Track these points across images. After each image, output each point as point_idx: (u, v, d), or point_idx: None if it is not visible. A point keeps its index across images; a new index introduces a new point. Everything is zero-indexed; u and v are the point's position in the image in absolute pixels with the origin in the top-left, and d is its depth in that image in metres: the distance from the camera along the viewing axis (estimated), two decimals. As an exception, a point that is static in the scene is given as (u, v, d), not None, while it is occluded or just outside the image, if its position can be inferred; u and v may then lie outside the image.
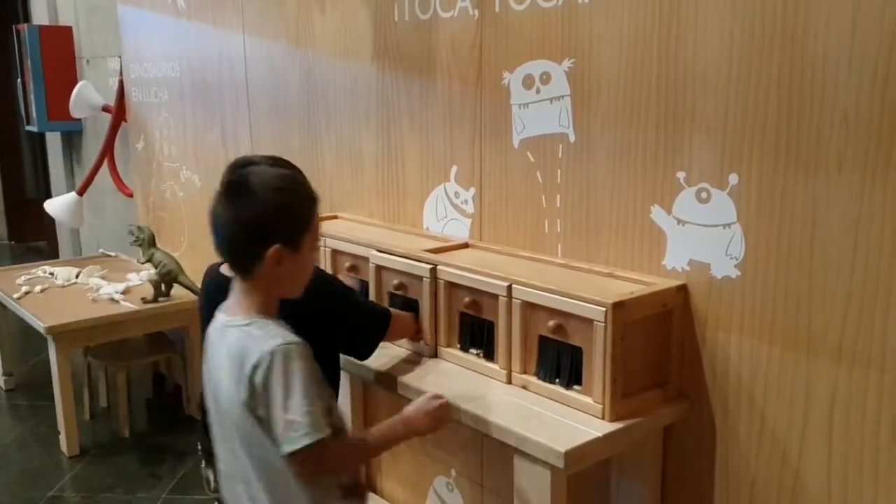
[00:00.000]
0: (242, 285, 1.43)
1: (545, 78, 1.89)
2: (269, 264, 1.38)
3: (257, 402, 1.34)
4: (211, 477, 1.76)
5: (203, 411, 1.70)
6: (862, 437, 1.47)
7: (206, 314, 1.57)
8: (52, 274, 3.84)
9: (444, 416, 1.59)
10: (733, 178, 1.58)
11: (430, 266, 1.93)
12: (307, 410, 1.33)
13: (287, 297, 1.46)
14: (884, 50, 1.34)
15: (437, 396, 1.61)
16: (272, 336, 1.36)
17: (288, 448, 1.33)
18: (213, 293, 1.64)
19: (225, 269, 1.69)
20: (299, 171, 1.51)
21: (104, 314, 3.27)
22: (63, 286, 3.70)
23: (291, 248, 1.40)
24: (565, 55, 1.84)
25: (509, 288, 1.75)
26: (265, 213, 1.37)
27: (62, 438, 3.28)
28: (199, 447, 1.84)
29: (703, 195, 1.63)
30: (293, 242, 1.40)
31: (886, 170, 1.37)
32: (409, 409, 1.58)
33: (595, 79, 1.79)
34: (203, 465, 1.84)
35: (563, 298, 1.64)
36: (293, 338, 1.38)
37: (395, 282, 2.03)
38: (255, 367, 1.33)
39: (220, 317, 1.46)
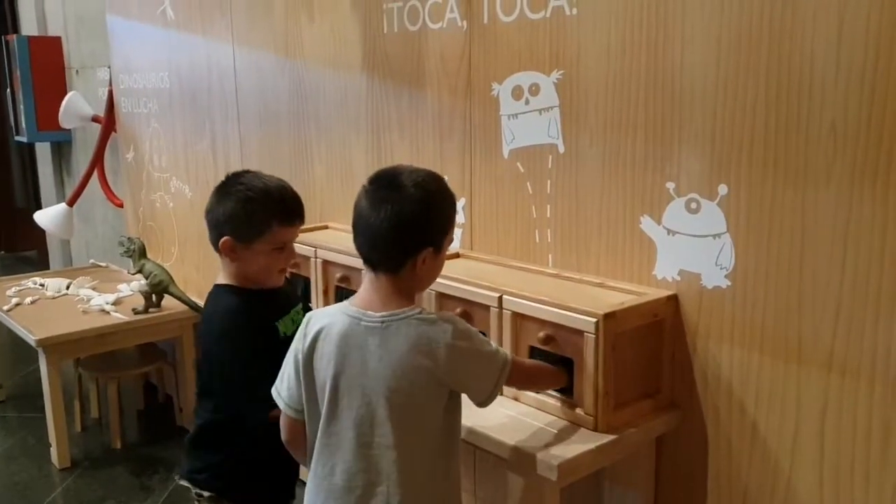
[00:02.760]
0: (384, 280, 1.40)
1: (534, 89, 1.90)
2: (417, 264, 1.39)
3: (457, 376, 1.38)
4: None
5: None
6: (853, 446, 1.47)
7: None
8: (42, 285, 3.82)
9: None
10: (722, 189, 1.58)
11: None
12: (495, 347, 1.46)
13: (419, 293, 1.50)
14: (870, 59, 1.35)
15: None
16: (443, 321, 1.39)
17: (500, 373, 1.43)
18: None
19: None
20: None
21: (95, 325, 3.25)
22: (53, 297, 3.67)
23: (436, 250, 1.41)
24: (554, 66, 1.84)
25: (500, 299, 1.75)
26: (421, 216, 1.37)
27: (53, 450, 3.26)
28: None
29: (693, 205, 1.64)
30: (439, 245, 1.42)
31: (874, 179, 1.37)
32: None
33: (583, 90, 1.80)
34: None
35: (554, 309, 1.64)
36: (450, 315, 1.45)
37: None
38: (450, 349, 1.35)
39: (359, 312, 1.40)
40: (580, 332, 1.59)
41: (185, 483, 1.75)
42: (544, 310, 1.66)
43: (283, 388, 1.48)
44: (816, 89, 1.42)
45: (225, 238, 1.65)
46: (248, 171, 1.73)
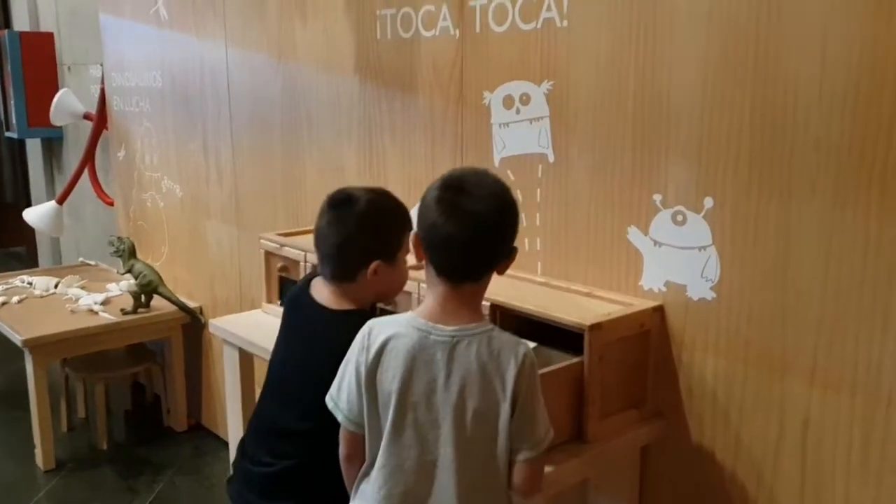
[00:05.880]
0: (464, 290, 1.34)
1: (525, 99, 1.91)
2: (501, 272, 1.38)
3: (518, 402, 1.31)
4: None
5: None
6: (834, 458, 1.49)
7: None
8: (30, 283, 3.81)
9: None
10: (708, 202, 1.60)
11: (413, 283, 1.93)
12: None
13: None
14: (852, 77, 1.37)
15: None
16: (516, 339, 1.35)
17: (534, 453, 1.34)
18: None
19: (316, 293, 1.64)
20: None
21: (82, 326, 3.24)
22: (41, 296, 3.66)
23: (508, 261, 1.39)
24: (544, 77, 1.86)
25: (491, 307, 1.76)
26: (507, 233, 1.36)
27: (37, 452, 3.24)
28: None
29: (679, 217, 1.65)
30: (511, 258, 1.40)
31: (857, 194, 1.39)
32: None
33: (573, 101, 1.81)
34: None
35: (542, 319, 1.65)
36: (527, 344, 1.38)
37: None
38: (520, 371, 1.30)
39: (428, 325, 1.33)
40: (567, 342, 1.60)
41: None
42: (532, 320, 1.67)
43: (342, 400, 1.39)
44: (801, 105, 1.44)
45: (376, 263, 1.57)
46: (347, 189, 1.64)
